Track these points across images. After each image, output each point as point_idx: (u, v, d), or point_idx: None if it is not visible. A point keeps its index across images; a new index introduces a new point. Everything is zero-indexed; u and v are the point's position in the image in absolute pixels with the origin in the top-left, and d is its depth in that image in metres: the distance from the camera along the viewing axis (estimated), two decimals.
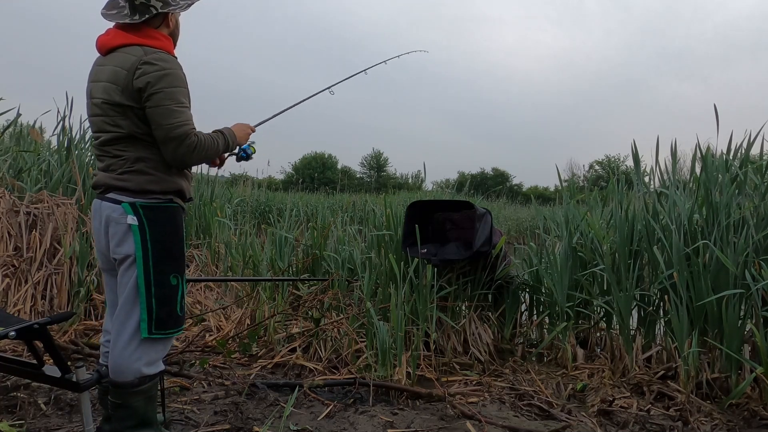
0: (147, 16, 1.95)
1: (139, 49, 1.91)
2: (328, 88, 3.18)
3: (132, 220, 1.90)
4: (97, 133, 1.99)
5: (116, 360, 1.93)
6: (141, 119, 1.91)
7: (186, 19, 2.18)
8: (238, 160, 2.39)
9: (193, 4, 2.09)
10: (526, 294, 4.28)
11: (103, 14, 2.00)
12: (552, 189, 34.36)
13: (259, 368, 3.26)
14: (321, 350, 3.40)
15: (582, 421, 2.72)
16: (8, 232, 3.91)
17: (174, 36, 2.11)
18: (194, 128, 1.95)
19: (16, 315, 3.31)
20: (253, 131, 2.39)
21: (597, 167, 41.54)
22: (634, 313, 3.65)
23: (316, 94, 3.14)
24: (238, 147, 2.29)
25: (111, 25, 2.01)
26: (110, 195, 1.95)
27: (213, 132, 2.10)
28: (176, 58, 2.00)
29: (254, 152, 2.41)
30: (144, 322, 1.90)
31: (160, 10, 1.97)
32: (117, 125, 1.92)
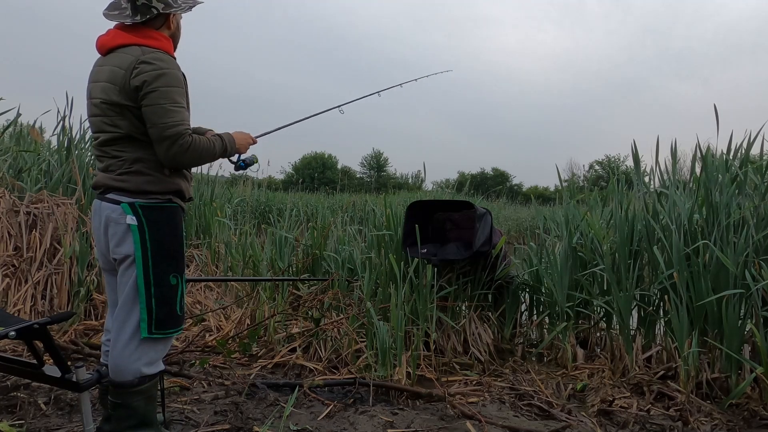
0: (148, 16, 1.96)
1: (137, 48, 1.91)
2: (338, 106, 3.26)
3: (131, 220, 1.90)
4: (97, 134, 2.00)
5: (116, 360, 1.94)
6: (138, 119, 1.91)
7: (187, 20, 2.18)
8: (236, 169, 2.39)
9: (195, 6, 2.09)
10: (526, 294, 4.28)
11: (105, 15, 2.01)
12: (552, 189, 34.39)
13: (259, 368, 3.26)
14: (321, 350, 3.40)
15: (582, 421, 2.72)
16: (8, 232, 3.91)
17: (175, 38, 2.11)
18: (189, 129, 1.94)
19: (16, 315, 3.30)
20: (255, 142, 2.38)
21: (597, 167, 41.61)
22: (634, 313, 3.65)
23: (324, 111, 3.22)
24: (237, 155, 2.29)
25: (112, 25, 2.02)
26: (110, 195, 1.95)
27: (212, 135, 2.09)
28: (175, 59, 2.00)
29: (256, 163, 2.39)
30: (143, 322, 1.91)
31: (161, 11, 1.98)
32: (115, 125, 1.93)
